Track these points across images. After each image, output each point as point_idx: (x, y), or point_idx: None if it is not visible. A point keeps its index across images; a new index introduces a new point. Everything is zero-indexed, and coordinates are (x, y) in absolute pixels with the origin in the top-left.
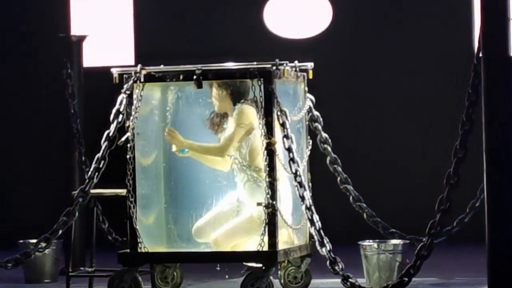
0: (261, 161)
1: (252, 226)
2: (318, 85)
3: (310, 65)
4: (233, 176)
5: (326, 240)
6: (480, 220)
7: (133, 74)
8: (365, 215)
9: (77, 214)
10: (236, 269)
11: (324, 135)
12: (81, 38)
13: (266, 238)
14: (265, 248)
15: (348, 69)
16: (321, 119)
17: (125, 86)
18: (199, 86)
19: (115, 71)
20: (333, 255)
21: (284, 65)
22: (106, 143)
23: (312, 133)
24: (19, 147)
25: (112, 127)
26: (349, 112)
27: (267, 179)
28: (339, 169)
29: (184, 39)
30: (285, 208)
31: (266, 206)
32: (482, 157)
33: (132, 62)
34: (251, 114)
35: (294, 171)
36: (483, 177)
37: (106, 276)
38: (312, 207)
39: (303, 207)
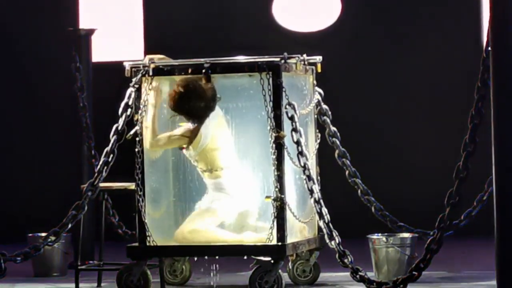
0: (209, 163)
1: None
2: (326, 79)
3: (318, 58)
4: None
5: (335, 233)
6: (488, 214)
7: (141, 67)
8: (373, 209)
9: (86, 207)
10: (245, 262)
11: (333, 128)
12: (90, 32)
13: (274, 232)
14: (274, 242)
15: (357, 63)
16: (329, 113)
17: (133, 80)
18: (208, 79)
19: (127, 65)
20: (342, 248)
21: (297, 59)
22: (114, 136)
23: (320, 126)
24: (28, 140)
25: (121, 120)
26: (357, 106)
27: (276, 173)
28: (348, 162)
29: (193, 33)
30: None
31: (275, 200)
32: (489, 150)
33: (141, 56)
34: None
35: (303, 164)
36: (490, 170)
37: (115, 270)
38: (321, 201)
39: (312, 200)
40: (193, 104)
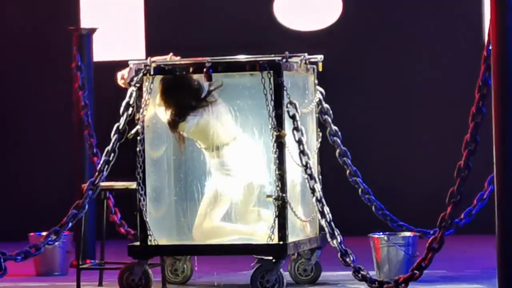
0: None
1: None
2: (328, 78)
3: (320, 57)
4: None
5: (337, 232)
6: (488, 212)
7: (143, 66)
8: (373, 208)
9: (86, 206)
10: (246, 261)
11: (334, 127)
12: (91, 31)
13: (276, 231)
14: (275, 241)
15: (358, 62)
16: (330, 112)
17: (134, 79)
18: (209, 79)
19: (132, 64)
20: (344, 247)
21: (302, 57)
22: (116, 135)
23: (321, 125)
24: (29, 139)
25: (122, 120)
26: (358, 105)
27: (277, 172)
28: (349, 161)
29: (194, 32)
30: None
31: (276, 199)
32: (488, 148)
33: (143, 56)
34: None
35: (304, 163)
36: (491, 168)
37: (117, 269)
38: (323, 199)
39: (314, 199)
40: (173, 96)
